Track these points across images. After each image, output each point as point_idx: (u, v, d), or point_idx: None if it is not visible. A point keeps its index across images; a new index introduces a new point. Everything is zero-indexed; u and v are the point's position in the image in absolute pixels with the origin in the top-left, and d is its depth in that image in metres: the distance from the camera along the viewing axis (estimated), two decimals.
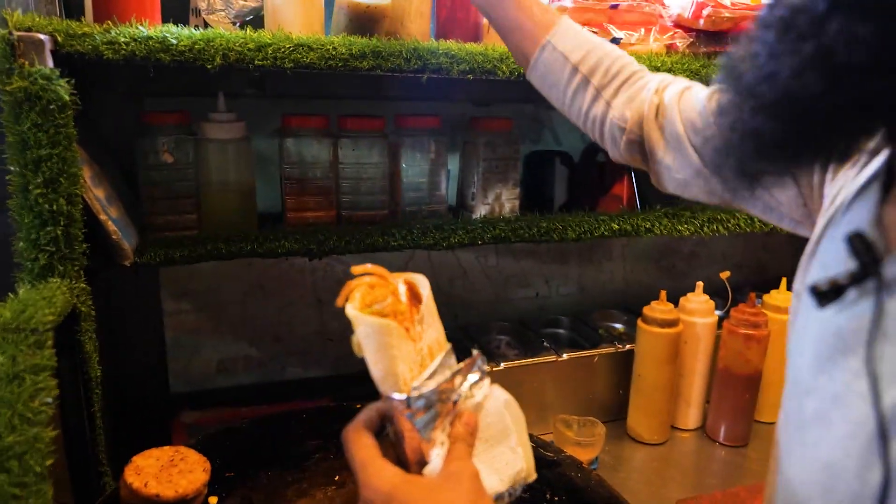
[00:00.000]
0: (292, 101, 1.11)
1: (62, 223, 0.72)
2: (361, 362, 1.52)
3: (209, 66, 0.76)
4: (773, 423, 1.26)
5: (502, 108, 1.24)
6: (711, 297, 1.20)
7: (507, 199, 1.08)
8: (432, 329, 0.54)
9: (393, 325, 0.51)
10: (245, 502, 0.82)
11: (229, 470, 0.85)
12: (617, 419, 1.23)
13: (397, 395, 0.50)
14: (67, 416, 0.78)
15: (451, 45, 0.88)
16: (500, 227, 1.02)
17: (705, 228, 1.16)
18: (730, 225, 1.17)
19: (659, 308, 1.14)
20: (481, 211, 1.07)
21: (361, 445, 0.51)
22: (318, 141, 0.98)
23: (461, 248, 1.27)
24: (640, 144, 0.72)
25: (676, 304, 1.18)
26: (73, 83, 0.70)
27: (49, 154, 0.69)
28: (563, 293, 1.42)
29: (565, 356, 1.18)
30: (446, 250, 1.24)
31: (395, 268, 1.34)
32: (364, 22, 0.87)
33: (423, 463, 0.52)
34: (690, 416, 1.23)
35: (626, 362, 1.21)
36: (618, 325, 1.37)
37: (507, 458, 0.54)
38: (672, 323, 1.13)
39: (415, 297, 0.55)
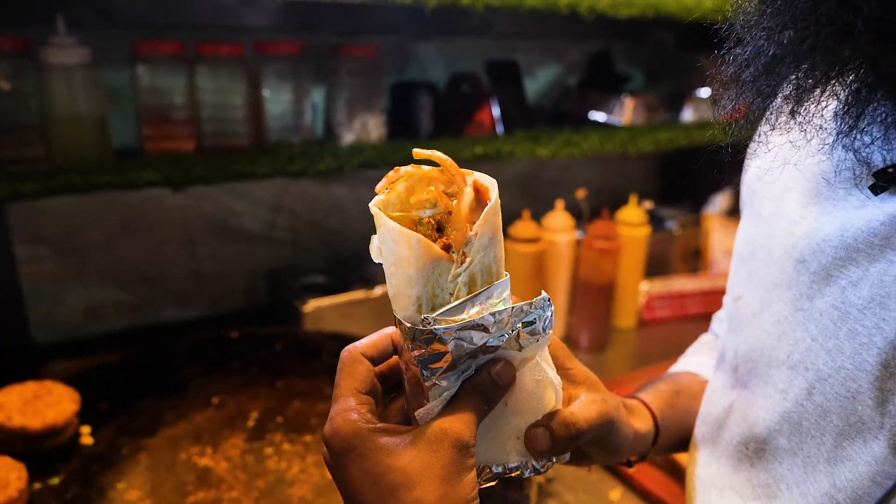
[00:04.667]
0: (145, 30, 1.06)
1: None
2: (241, 300, 1.53)
3: None
4: (626, 329, 1.40)
5: (367, 38, 1.25)
6: (573, 219, 1.29)
7: (373, 127, 1.10)
8: (490, 251, 0.41)
9: (417, 238, 0.39)
10: (121, 430, 0.81)
11: (103, 402, 0.85)
12: None
13: (405, 322, 0.40)
14: None
15: None
16: (367, 153, 1.05)
17: (562, 151, 1.24)
18: (584, 147, 1.26)
19: (523, 227, 1.22)
20: (348, 138, 1.09)
21: (346, 374, 0.43)
22: (174, 68, 0.95)
23: (332, 178, 1.29)
24: None
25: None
26: None
27: None
28: None
29: None
30: (316, 178, 1.25)
31: (266, 203, 1.33)
32: None
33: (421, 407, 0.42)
34: (556, 327, 1.33)
35: None
36: None
37: (516, 435, 0.45)
38: (535, 240, 1.22)
39: (479, 204, 0.42)
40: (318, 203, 1.32)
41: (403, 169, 0.42)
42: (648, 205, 1.37)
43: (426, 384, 0.41)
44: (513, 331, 0.42)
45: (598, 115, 1.41)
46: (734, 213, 1.66)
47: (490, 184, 0.42)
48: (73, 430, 0.78)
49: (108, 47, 0.99)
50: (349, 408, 0.41)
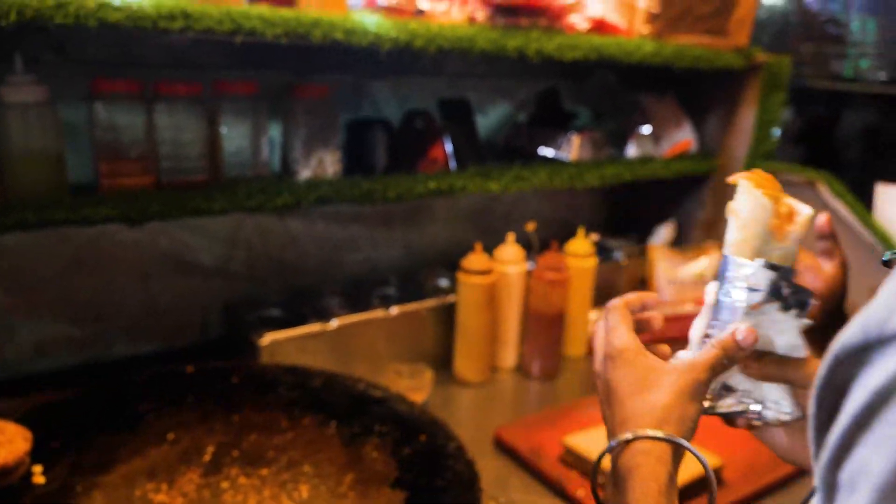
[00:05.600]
0: (103, 68, 1.08)
1: None
2: (196, 335, 1.51)
3: (2, 23, 0.74)
4: (576, 357, 1.45)
5: (322, 78, 1.29)
6: (524, 251, 1.34)
7: (329, 164, 1.13)
8: (795, 246, 0.56)
9: (771, 207, 0.54)
10: (74, 468, 0.81)
11: (56, 440, 0.84)
12: (446, 366, 1.34)
13: (739, 260, 0.54)
14: None
15: (264, 8, 0.91)
16: (323, 189, 1.08)
17: (512, 186, 1.29)
18: (534, 181, 1.32)
19: (475, 259, 1.26)
20: (305, 175, 1.11)
21: (620, 315, 0.58)
22: (132, 106, 0.97)
23: (289, 213, 1.31)
24: None
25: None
26: None
27: None
28: (391, 256, 1.50)
29: (394, 311, 1.26)
30: (272, 213, 1.27)
31: (222, 238, 1.34)
32: None
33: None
34: (508, 357, 1.37)
35: (450, 313, 1.32)
36: (443, 281, 1.47)
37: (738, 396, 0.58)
38: (487, 272, 1.26)
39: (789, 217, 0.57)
40: (275, 237, 1.34)
41: (749, 173, 0.56)
42: (595, 237, 1.43)
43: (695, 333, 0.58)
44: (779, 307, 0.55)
45: (546, 151, 1.47)
46: (677, 243, 1.74)
47: (802, 206, 0.57)
48: (24, 470, 0.77)
49: (65, 84, 1.00)
50: (625, 332, 0.56)
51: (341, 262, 1.43)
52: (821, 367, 0.33)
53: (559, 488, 0.99)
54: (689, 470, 0.97)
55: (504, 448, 1.09)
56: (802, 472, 1.06)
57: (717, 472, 1.00)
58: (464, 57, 1.37)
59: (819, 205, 1.46)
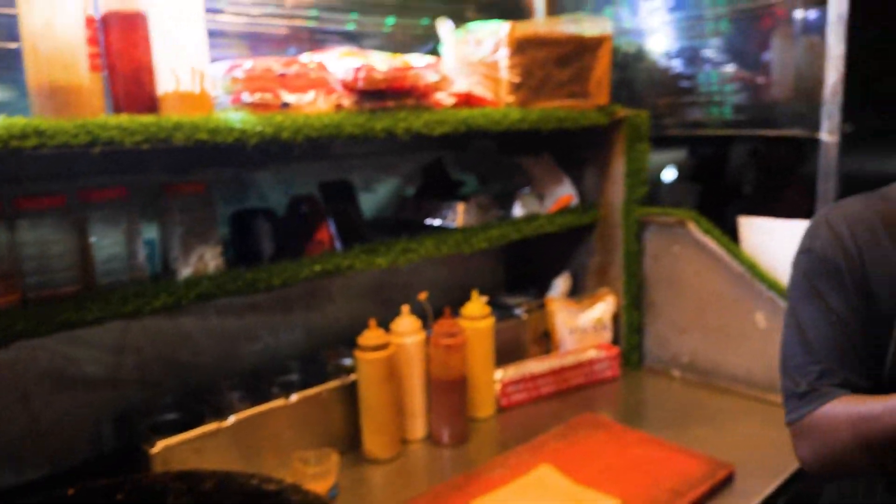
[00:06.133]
0: None
1: None
2: (86, 452, 1.44)
3: None
4: (484, 419, 1.46)
5: (201, 173, 1.30)
6: (420, 320, 1.36)
7: (210, 259, 1.13)
8: None
9: None
10: None
11: None
12: (356, 446, 1.33)
13: None
14: None
15: (123, 118, 0.92)
16: (204, 285, 1.07)
17: (400, 259, 1.32)
18: (421, 252, 1.35)
19: (370, 335, 1.27)
20: (185, 272, 1.10)
21: None
22: None
23: (172, 313, 1.29)
24: None
25: None
26: None
27: None
28: (292, 340, 1.49)
29: (294, 398, 1.25)
30: (152, 316, 1.25)
31: (108, 346, 1.30)
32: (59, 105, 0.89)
33: None
34: (417, 427, 1.37)
35: (354, 392, 1.31)
36: (347, 360, 1.47)
37: None
38: (383, 346, 1.27)
39: None
40: (165, 337, 1.30)
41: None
42: (484, 298, 1.47)
43: None
44: None
45: (434, 221, 1.52)
46: (573, 293, 1.81)
47: None
48: None
49: None
50: None
51: (239, 353, 1.41)
52: None
53: None
54: None
55: None
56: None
57: None
58: (345, 139, 1.42)
59: (690, 242, 1.56)
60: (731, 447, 1.28)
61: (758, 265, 1.49)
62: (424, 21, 1.65)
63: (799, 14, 1.51)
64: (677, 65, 1.77)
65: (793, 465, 1.18)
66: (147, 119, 0.94)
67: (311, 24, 1.48)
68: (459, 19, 1.57)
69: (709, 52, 1.69)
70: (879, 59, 1.48)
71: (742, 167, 2.10)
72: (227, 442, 1.17)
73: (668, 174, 2.21)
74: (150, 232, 1.19)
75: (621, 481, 1.13)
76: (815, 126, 1.46)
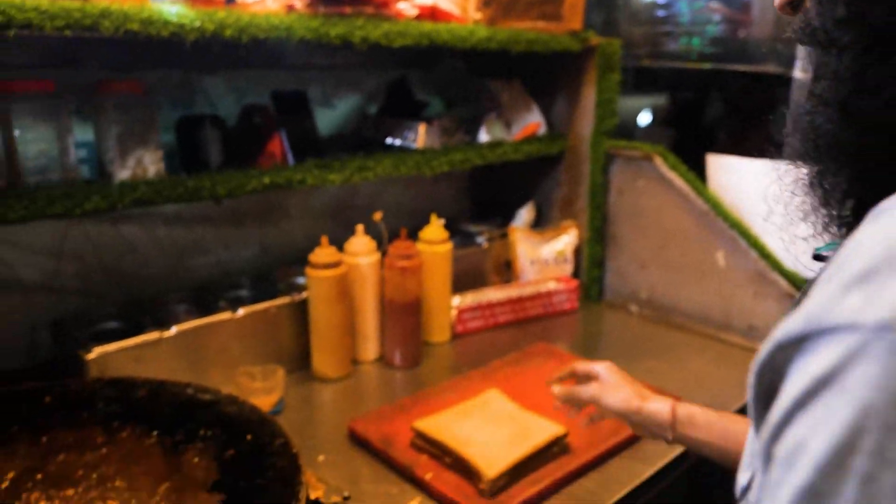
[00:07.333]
0: None
1: None
2: (21, 358, 1.35)
3: None
4: (439, 343, 1.45)
5: (146, 73, 1.23)
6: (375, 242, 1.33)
7: (150, 163, 1.07)
8: None
9: None
10: None
11: None
12: (305, 365, 1.31)
13: None
14: None
15: (44, 0, 0.85)
16: (141, 190, 1.02)
17: (355, 176, 1.27)
18: (378, 171, 1.30)
19: (322, 252, 1.23)
20: (122, 176, 1.05)
21: None
22: None
23: (121, 218, 1.24)
24: None
25: None
26: None
27: None
28: (245, 256, 1.45)
29: (241, 312, 1.22)
30: (99, 219, 1.20)
31: (44, 250, 1.24)
32: None
33: None
34: (370, 349, 1.35)
35: (305, 311, 1.28)
36: (301, 280, 1.44)
37: None
38: (335, 265, 1.23)
39: None
40: (109, 246, 1.26)
41: None
42: (443, 222, 1.43)
43: None
44: None
45: (395, 141, 1.47)
46: (537, 224, 1.78)
47: None
48: None
49: None
50: None
51: (188, 267, 1.37)
52: (761, 351, 0.37)
53: (409, 474, 0.98)
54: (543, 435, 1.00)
55: (357, 441, 1.08)
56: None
57: (563, 439, 1.03)
58: (303, 48, 1.34)
59: (656, 177, 1.53)
60: (680, 381, 1.28)
61: (722, 203, 1.47)
62: None
63: None
64: None
65: (738, 403, 1.19)
66: (71, 3, 0.86)
67: None
68: None
69: None
70: None
71: (716, 106, 2.06)
72: (169, 353, 1.14)
73: (644, 118, 2.17)
74: (88, 134, 1.13)
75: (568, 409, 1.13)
76: (790, 64, 1.42)
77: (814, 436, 0.32)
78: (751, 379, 0.39)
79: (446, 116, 1.57)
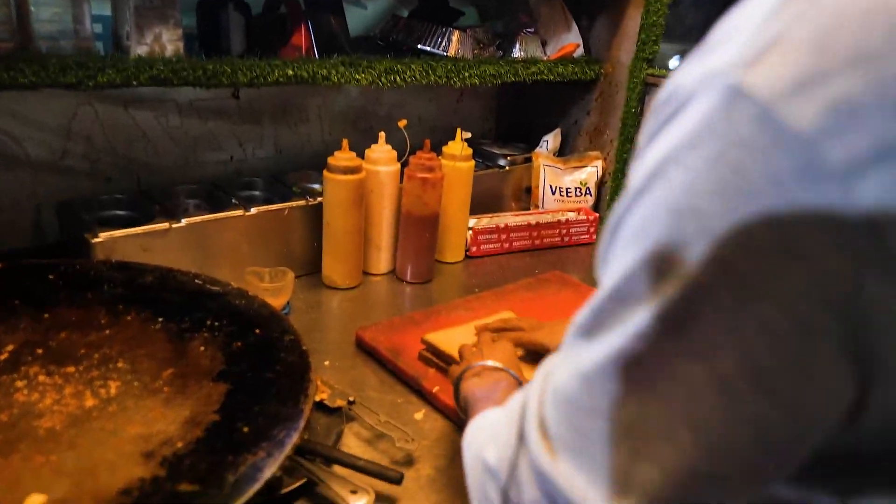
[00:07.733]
0: None
1: None
2: (28, 238, 1.31)
3: None
4: (451, 263, 1.42)
5: None
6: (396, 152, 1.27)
7: (168, 41, 1.01)
8: None
9: None
10: None
11: None
12: (315, 271, 1.28)
13: None
14: None
15: None
16: (158, 68, 0.96)
17: (382, 79, 1.21)
18: (406, 76, 1.24)
19: (342, 157, 1.18)
20: (138, 52, 0.99)
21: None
22: None
23: (132, 102, 1.18)
24: None
25: None
26: None
27: None
28: (260, 156, 1.40)
29: (253, 210, 1.18)
30: (109, 101, 1.14)
31: (53, 128, 1.19)
32: None
33: None
34: (381, 261, 1.32)
35: (318, 215, 1.24)
36: (315, 185, 1.39)
37: None
38: (354, 170, 1.18)
39: None
40: (120, 130, 1.20)
41: None
42: (466, 134, 1.36)
43: None
44: None
45: (425, 47, 1.39)
46: (562, 151, 1.72)
47: None
48: None
49: None
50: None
51: (200, 161, 1.32)
52: None
53: (415, 385, 0.96)
54: None
55: (365, 349, 1.05)
56: None
57: None
58: None
59: None
60: None
61: None
62: None
63: None
64: None
65: None
66: None
67: None
68: None
69: None
70: None
71: None
72: (177, 244, 1.10)
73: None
74: (105, 9, 1.06)
75: None
76: None
77: (652, 217, 0.35)
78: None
79: (480, 28, 1.48)
